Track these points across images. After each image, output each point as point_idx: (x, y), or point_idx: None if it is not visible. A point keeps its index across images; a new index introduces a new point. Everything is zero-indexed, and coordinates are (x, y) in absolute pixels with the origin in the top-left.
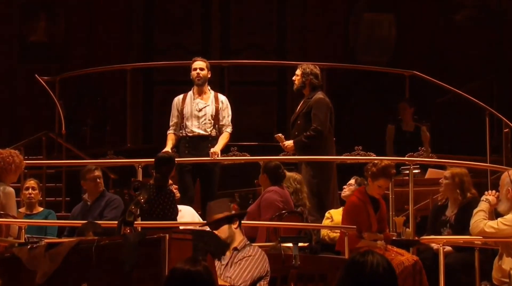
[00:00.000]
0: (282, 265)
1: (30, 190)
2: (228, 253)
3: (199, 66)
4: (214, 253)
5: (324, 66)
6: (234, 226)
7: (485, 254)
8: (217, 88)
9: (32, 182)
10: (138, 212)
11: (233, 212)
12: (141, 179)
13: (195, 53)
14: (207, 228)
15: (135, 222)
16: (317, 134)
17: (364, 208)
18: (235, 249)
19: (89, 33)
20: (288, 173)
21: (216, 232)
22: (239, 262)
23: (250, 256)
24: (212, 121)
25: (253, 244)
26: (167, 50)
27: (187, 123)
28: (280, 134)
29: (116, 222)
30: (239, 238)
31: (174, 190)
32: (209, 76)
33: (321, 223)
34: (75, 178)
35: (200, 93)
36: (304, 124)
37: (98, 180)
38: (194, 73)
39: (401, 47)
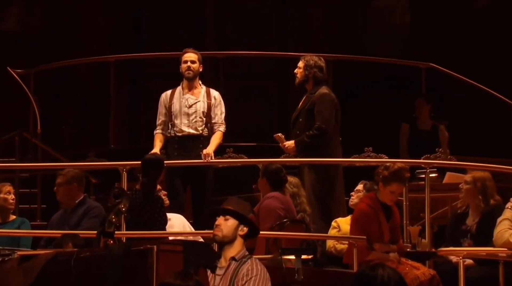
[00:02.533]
0: (283, 280)
1: (10, 195)
2: (223, 261)
3: (190, 58)
4: (207, 265)
5: (330, 58)
6: (241, 231)
7: (510, 267)
8: (211, 83)
9: (8, 187)
10: (119, 222)
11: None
12: (126, 184)
13: (186, 44)
14: (200, 239)
15: (117, 232)
16: (321, 133)
17: (374, 216)
18: (233, 258)
19: (69, 21)
20: None
21: (219, 221)
22: (242, 284)
23: (256, 276)
24: (204, 119)
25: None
26: (156, 40)
27: (175, 121)
28: (280, 134)
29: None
30: (239, 247)
31: (163, 197)
32: (200, 69)
33: (326, 232)
34: (52, 183)
35: (190, 88)
36: (306, 122)
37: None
38: (184, 66)
39: (416, 37)
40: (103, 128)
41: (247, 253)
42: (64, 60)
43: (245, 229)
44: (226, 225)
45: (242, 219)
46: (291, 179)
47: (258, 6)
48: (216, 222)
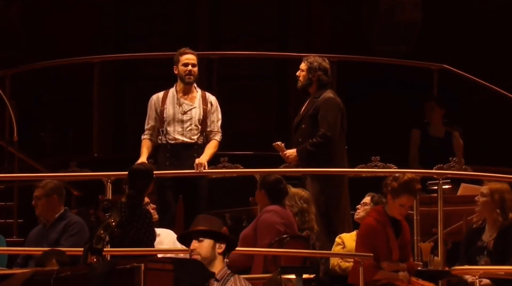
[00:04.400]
0: None
1: None
2: None
3: (191, 61)
4: (199, 285)
5: (335, 59)
6: (218, 249)
7: None
8: (204, 85)
9: None
10: (108, 238)
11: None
12: (110, 197)
13: (177, 42)
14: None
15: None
16: (325, 141)
17: (382, 232)
18: (215, 279)
19: (50, 18)
20: (293, 189)
21: (194, 245)
22: None
23: None
24: (199, 127)
25: (241, 275)
26: (143, 38)
27: (168, 128)
28: (279, 142)
29: (81, 249)
30: (219, 266)
31: (152, 210)
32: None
33: (330, 249)
34: (30, 196)
35: (186, 92)
36: (309, 128)
37: None
38: (184, 69)
39: (428, 35)
40: (86, 135)
41: (229, 271)
42: (44, 61)
43: (222, 245)
44: (202, 247)
45: (217, 237)
46: (301, 193)
47: (256, 1)
48: (191, 247)
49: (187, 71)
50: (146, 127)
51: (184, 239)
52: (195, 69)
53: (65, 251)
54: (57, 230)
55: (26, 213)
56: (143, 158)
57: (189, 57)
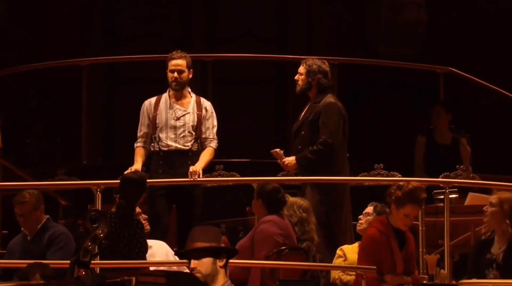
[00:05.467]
0: None
1: None
2: None
3: (178, 67)
4: None
5: (336, 61)
6: (220, 263)
7: None
8: (198, 89)
9: None
10: (96, 250)
11: (223, 245)
12: (100, 207)
13: (170, 43)
14: (185, 269)
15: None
16: (326, 149)
17: (386, 244)
18: None
19: (36, 17)
20: (291, 199)
21: (194, 264)
22: None
23: None
24: (193, 133)
25: None
26: (134, 39)
27: (160, 135)
28: (277, 150)
29: (67, 262)
30: (222, 280)
31: (143, 222)
32: (190, 76)
33: (331, 262)
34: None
35: (179, 97)
36: (309, 135)
37: None
38: (170, 76)
39: (433, 37)
40: (75, 141)
41: (232, 284)
42: (30, 63)
43: (224, 258)
44: (202, 264)
45: (216, 253)
46: (300, 202)
47: (254, 1)
48: (191, 265)
49: (173, 78)
50: (138, 134)
51: (184, 257)
52: (183, 75)
53: (50, 263)
54: (42, 243)
55: (10, 224)
56: (136, 166)
57: (175, 63)
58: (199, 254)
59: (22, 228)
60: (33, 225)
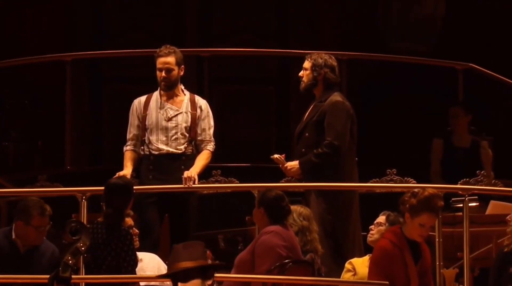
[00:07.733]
0: None
1: None
2: None
3: (166, 65)
4: None
5: (343, 57)
6: (208, 282)
7: None
8: (194, 87)
9: None
10: (77, 265)
11: (209, 261)
12: (86, 216)
13: (162, 39)
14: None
15: (74, 277)
16: (332, 151)
17: (399, 257)
18: None
19: (16, 11)
20: (291, 206)
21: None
22: None
23: None
24: (187, 135)
25: None
26: (124, 34)
27: (150, 137)
28: (278, 155)
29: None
30: None
31: (134, 237)
32: (181, 73)
33: (338, 276)
34: None
35: (170, 95)
36: (314, 137)
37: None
38: (159, 75)
39: (452, 31)
40: (57, 145)
41: None
42: (7, 59)
43: (212, 276)
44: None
45: (203, 273)
46: (300, 209)
47: None
48: None
49: (161, 78)
50: (128, 136)
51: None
52: (172, 74)
53: (31, 279)
54: (39, 257)
55: None
56: (126, 171)
57: (163, 61)
58: (185, 276)
59: (18, 239)
60: (39, 239)
